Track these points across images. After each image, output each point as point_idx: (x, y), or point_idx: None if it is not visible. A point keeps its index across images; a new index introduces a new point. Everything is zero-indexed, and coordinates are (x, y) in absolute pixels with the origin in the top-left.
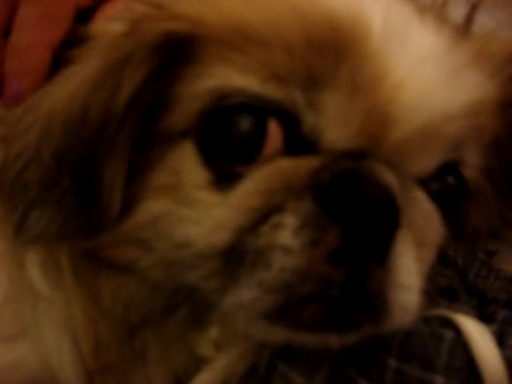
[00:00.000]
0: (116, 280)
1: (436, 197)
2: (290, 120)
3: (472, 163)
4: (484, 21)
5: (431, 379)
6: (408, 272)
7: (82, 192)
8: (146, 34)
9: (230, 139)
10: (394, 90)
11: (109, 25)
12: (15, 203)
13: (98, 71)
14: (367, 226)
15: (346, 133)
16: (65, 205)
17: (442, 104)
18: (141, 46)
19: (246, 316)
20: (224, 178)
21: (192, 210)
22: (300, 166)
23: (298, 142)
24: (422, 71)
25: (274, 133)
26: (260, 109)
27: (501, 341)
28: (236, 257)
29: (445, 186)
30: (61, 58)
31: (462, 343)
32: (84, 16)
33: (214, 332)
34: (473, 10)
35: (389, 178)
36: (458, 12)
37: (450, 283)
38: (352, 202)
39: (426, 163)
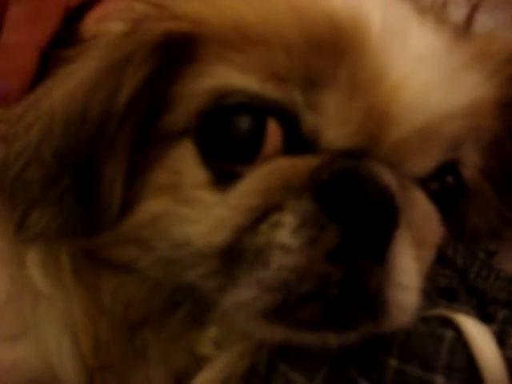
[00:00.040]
0: (116, 279)
1: (435, 197)
2: (289, 119)
3: (471, 163)
4: (484, 21)
5: (431, 379)
6: (407, 271)
7: (82, 191)
8: (146, 34)
9: (229, 139)
10: (393, 89)
11: (108, 25)
12: (16, 202)
13: (99, 71)
14: (366, 225)
15: (345, 132)
16: (65, 204)
17: (441, 104)
18: (141, 45)
19: (245, 315)
20: (223, 177)
21: (191, 209)
22: (299, 166)
23: (298, 141)
24: (421, 71)
25: (274, 132)
26: (259, 108)
27: (501, 340)
28: (235, 256)
29: (444, 185)
30: (49, 57)
31: (462, 343)
32: (76, 16)
33: (213, 331)
34: (473, 10)
35: (388, 177)
36: (458, 12)
37: (449, 283)
38: (351, 201)
39: (425, 163)
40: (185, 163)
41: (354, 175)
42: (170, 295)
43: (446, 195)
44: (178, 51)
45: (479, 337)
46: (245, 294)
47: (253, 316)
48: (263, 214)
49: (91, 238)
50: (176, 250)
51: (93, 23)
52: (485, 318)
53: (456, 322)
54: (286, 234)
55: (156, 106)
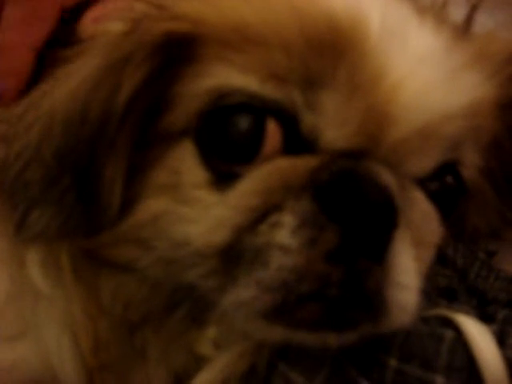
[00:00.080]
0: (116, 279)
1: (434, 197)
2: (288, 120)
3: (471, 163)
4: (484, 21)
5: (431, 379)
6: (406, 271)
7: (82, 191)
8: (146, 34)
9: (229, 139)
10: (392, 89)
11: (107, 24)
12: (16, 202)
13: (99, 71)
14: (365, 225)
15: (344, 132)
16: (65, 204)
17: (440, 104)
18: (141, 45)
19: (244, 315)
20: (223, 177)
21: (191, 209)
22: (298, 166)
23: (297, 141)
24: (420, 71)
25: (273, 132)
26: (259, 108)
27: (501, 340)
28: (234, 256)
29: (443, 185)
30: (45, 57)
31: (462, 343)
32: (72, 16)
33: (213, 331)
34: (473, 10)
35: (387, 177)
36: (458, 12)
37: (449, 283)
38: (350, 202)
39: (425, 163)
40: (184, 163)
41: (353, 175)
42: (170, 295)
43: (445, 195)
44: (177, 51)
45: (479, 337)
46: (244, 294)
47: (252, 316)
48: (263, 214)
49: (91, 238)
50: (176, 250)
51: (90, 23)
52: (485, 318)
53: (456, 321)
54: (285, 234)
55: (156, 106)
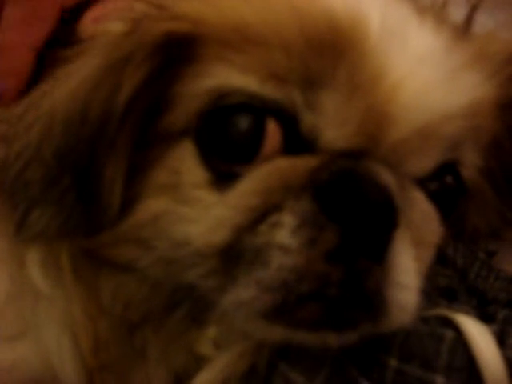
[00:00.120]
0: (116, 279)
1: (434, 197)
2: (288, 120)
3: (470, 163)
4: (484, 21)
5: (432, 379)
6: (406, 271)
7: (82, 191)
8: (146, 34)
9: (228, 139)
10: (392, 89)
11: (107, 24)
12: (16, 202)
13: (99, 71)
14: (365, 225)
15: (344, 132)
16: (65, 204)
17: (440, 104)
18: (141, 45)
19: (244, 315)
20: (223, 177)
21: (191, 208)
22: (298, 166)
23: (297, 141)
24: (420, 71)
25: (273, 132)
26: (259, 108)
27: (501, 340)
28: (234, 256)
29: (443, 185)
30: (45, 57)
31: (462, 343)
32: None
33: (213, 331)
34: (473, 10)
35: (387, 177)
36: (457, 12)
37: (449, 283)
38: (350, 202)
39: (425, 163)
40: (184, 163)
41: (353, 175)
42: (170, 295)
43: (445, 195)
44: (177, 51)
45: (479, 337)
46: (244, 294)
47: (252, 316)
48: (262, 214)
49: (91, 238)
50: (176, 250)
51: (90, 23)
52: (485, 317)
53: (456, 321)
54: (285, 234)
55: (156, 105)
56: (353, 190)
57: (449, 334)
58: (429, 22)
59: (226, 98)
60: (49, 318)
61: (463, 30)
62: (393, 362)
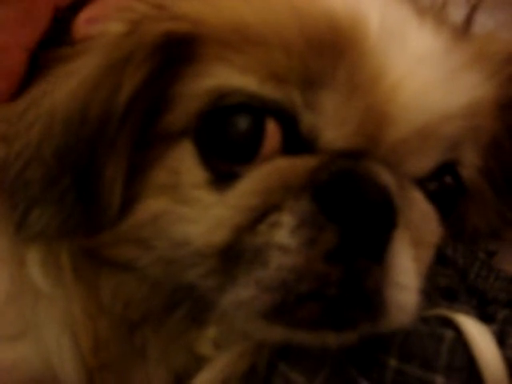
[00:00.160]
0: (116, 278)
1: (434, 197)
2: (288, 120)
3: (470, 163)
4: (484, 21)
5: (431, 379)
6: (405, 271)
7: (83, 191)
8: (146, 34)
9: (228, 139)
10: (391, 89)
11: (106, 25)
12: (16, 201)
13: (99, 70)
14: (364, 225)
15: (343, 132)
16: (65, 203)
17: (440, 104)
18: (141, 45)
19: (244, 315)
20: (223, 177)
21: (191, 208)
22: (298, 166)
23: (296, 141)
24: (420, 71)
25: (272, 132)
26: (258, 108)
27: (501, 340)
28: (234, 255)
29: (442, 185)
30: (38, 56)
31: (462, 343)
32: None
33: (213, 331)
34: (472, 10)
35: (386, 177)
36: (457, 13)
37: (450, 283)
38: (349, 202)
39: (424, 163)
40: (184, 163)
41: (352, 175)
42: (170, 295)
43: (444, 195)
44: (177, 51)
45: (479, 337)
46: (244, 294)
47: (252, 316)
48: (262, 214)
49: (91, 238)
50: (175, 250)
51: (82, 24)
52: (485, 318)
53: (456, 321)
54: (284, 234)
55: (156, 105)
56: (352, 190)
57: (449, 334)
58: (428, 22)
59: (225, 98)
60: (49, 317)
61: (463, 31)
62: (393, 362)
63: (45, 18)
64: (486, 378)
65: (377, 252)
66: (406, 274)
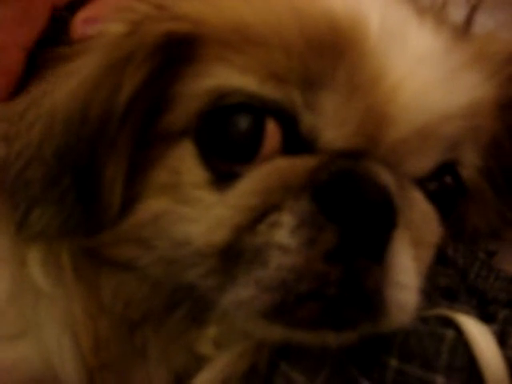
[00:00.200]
0: (116, 278)
1: (433, 197)
2: (288, 120)
3: (470, 163)
4: (484, 21)
5: (432, 379)
6: (405, 271)
7: (83, 191)
8: (146, 34)
9: (228, 138)
10: (391, 90)
11: (107, 25)
12: (17, 201)
13: (99, 70)
14: (364, 225)
15: (343, 133)
16: (66, 203)
17: (440, 104)
18: (141, 45)
19: (244, 314)
20: (223, 177)
21: (191, 208)
22: (297, 166)
23: (296, 141)
24: (420, 71)
25: (272, 132)
26: (258, 108)
27: (502, 340)
28: (234, 255)
29: (442, 185)
30: (36, 56)
31: (462, 343)
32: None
33: (213, 330)
34: (472, 10)
35: (386, 177)
36: (457, 13)
37: (450, 283)
38: (349, 202)
39: (424, 163)
40: (184, 163)
41: (352, 175)
42: (170, 294)
43: (444, 195)
44: (178, 51)
45: (480, 337)
46: (243, 294)
47: (252, 315)
48: (262, 213)
49: (92, 237)
50: (176, 250)
51: (80, 24)
52: (485, 317)
53: (457, 321)
54: (284, 233)
55: (156, 105)
56: (352, 190)
57: (449, 333)
58: (428, 22)
59: (225, 98)
60: (49, 316)
61: (463, 31)
62: (393, 362)
63: (42, 17)
64: (486, 378)
65: (377, 252)
66: (406, 273)
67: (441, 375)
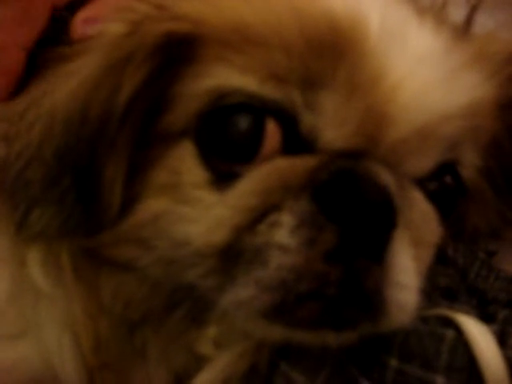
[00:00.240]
0: (116, 278)
1: (433, 197)
2: (288, 120)
3: (470, 163)
4: (484, 21)
5: (432, 379)
6: (405, 271)
7: (83, 191)
8: (146, 35)
9: (228, 138)
10: (391, 90)
11: (107, 25)
12: (17, 201)
13: (99, 70)
14: (364, 225)
15: (343, 133)
16: (65, 203)
17: (439, 104)
18: (141, 45)
19: (244, 314)
20: (223, 177)
21: (191, 208)
22: (297, 166)
23: (296, 141)
24: (419, 72)
25: (272, 132)
26: (258, 108)
27: (502, 340)
28: (234, 255)
29: (442, 185)
30: (36, 55)
31: (462, 343)
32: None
33: (213, 330)
34: (473, 10)
35: (386, 177)
36: (457, 13)
37: (450, 283)
38: (349, 202)
39: (424, 163)
40: (184, 163)
41: (352, 175)
42: (170, 294)
43: (444, 195)
44: (178, 51)
45: (480, 337)
46: (243, 294)
47: (252, 315)
48: (262, 213)
49: (92, 238)
50: (176, 250)
51: (80, 24)
52: (485, 317)
53: (457, 321)
54: (284, 233)
55: (156, 105)
56: (352, 189)
57: (449, 333)
58: (428, 22)
59: (225, 98)
60: (49, 317)
61: (463, 31)
62: (393, 362)
63: (42, 17)
64: (486, 378)
65: (376, 252)
66: (405, 273)
67: (441, 375)
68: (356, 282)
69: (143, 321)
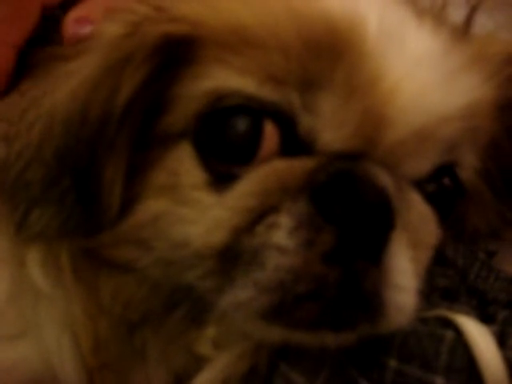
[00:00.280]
0: (115, 279)
1: (432, 198)
2: (286, 121)
3: (468, 165)
4: (483, 22)
5: (431, 380)
6: (403, 272)
7: (82, 192)
8: (145, 36)
9: (226, 140)
10: (389, 91)
11: (104, 26)
12: (16, 202)
13: (98, 71)
14: (362, 226)
15: (341, 134)
16: (65, 204)
17: (438, 106)
18: (140, 47)
19: (242, 315)
20: (221, 178)
21: (190, 209)
22: (295, 167)
23: (294, 143)
24: (418, 73)
25: (270, 134)
26: (256, 110)
27: (501, 341)
28: (232, 256)
29: (441, 187)
30: (26, 55)
31: (462, 344)
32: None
33: (212, 331)
34: (472, 11)
35: (384, 179)
36: (457, 13)
37: (450, 284)
38: (347, 203)
39: (422, 165)
40: (183, 164)
41: (350, 177)
42: (169, 295)
43: (442, 197)
44: (176, 53)
45: (479, 337)
46: (242, 295)
47: (250, 316)
48: (260, 215)
49: (91, 238)
50: (175, 251)
51: (71, 23)
52: (485, 318)
53: (456, 322)
54: (282, 235)
55: (155, 107)
56: (350, 191)
57: (449, 334)
58: (427, 23)
59: (223, 100)
60: (49, 317)
61: (463, 31)
62: (393, 363)
63: (33, 15)
64: (486, 378)
65: (374, 253)
66: (403, 275)
67: (440, 376)
68: (354, 284)
69: (143, 321)
